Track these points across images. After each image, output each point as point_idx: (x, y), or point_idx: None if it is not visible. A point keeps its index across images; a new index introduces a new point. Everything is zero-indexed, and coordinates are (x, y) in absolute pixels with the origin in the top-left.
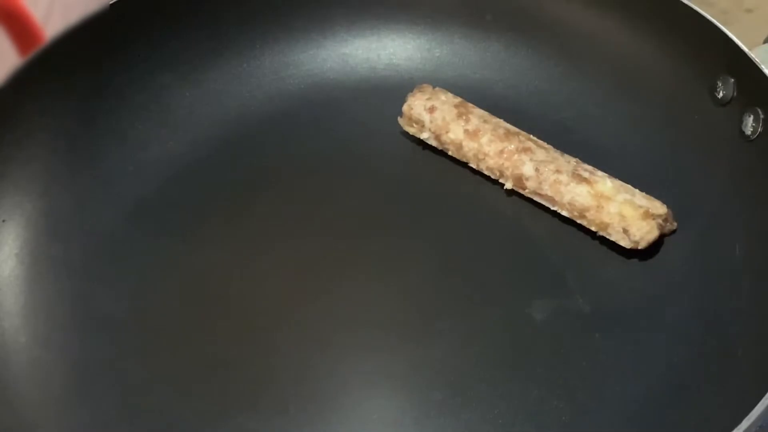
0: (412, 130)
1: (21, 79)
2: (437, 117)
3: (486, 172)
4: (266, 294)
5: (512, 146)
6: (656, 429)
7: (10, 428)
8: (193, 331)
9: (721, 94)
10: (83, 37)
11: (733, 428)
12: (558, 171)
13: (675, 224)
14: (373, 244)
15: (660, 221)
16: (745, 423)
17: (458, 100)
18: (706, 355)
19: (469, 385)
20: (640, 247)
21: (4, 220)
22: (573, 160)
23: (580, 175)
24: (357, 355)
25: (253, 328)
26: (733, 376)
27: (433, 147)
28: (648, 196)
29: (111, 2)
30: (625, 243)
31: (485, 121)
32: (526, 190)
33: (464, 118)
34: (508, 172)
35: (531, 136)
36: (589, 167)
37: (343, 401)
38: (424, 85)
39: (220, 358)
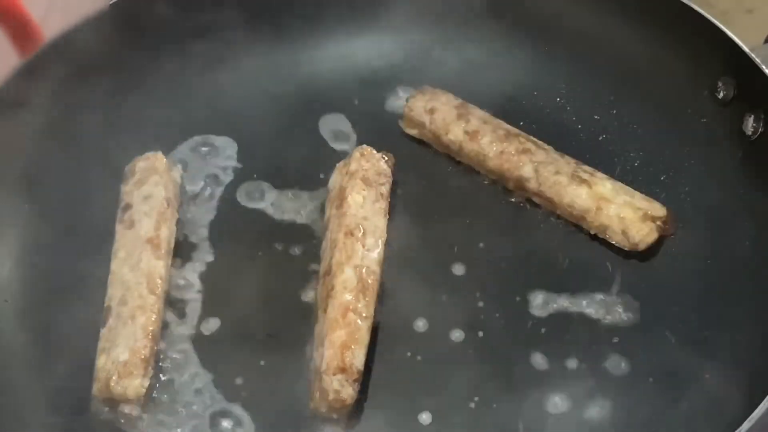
0: (412, 132)
1: (20, 78)
2: (437, 118)
3: (486, 173)
4: (275, 284)
5: (512, 147)
6: (657, 429)
7: (8, 427)
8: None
9: (721, 95)
10: (83, 37)
11: (734, 429)
12: (558, 172)
13: (675, 225)
14: None
15: (659, 223)
16: (746, 425)
17: (459, 101)
18: (708, 355)
19: (466, 386)
20: (639, 249)
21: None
22: (573, 162)
23: (579, 177)
24: None
25: (261, 323)
26: (733, 377)
27: (434, 148)
28: (648, 197)
29: (111, 2)
30: (624, 245)
31: (485, 123)
32: (527, 192)
33: (464, 119)
34: (508, 174)
35: (531, 137)
36: (589, 168)
37: None
38: (425, 86)
39: (220, 354)
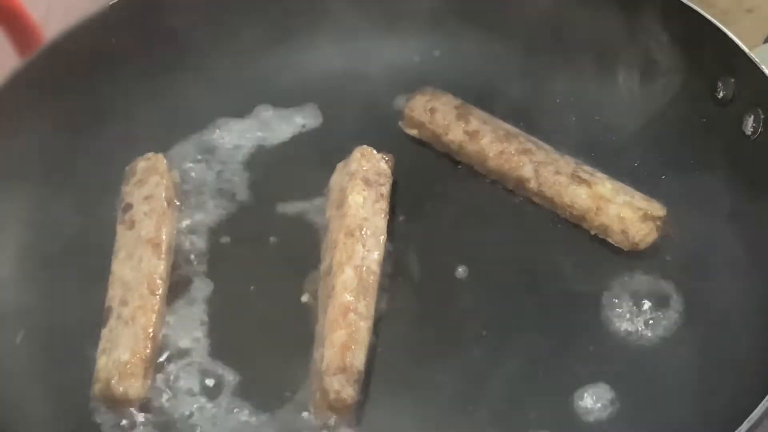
0: (412, 132)
1: (21, 79)
2: (437, 118)
3: (486, 173)
4: (274, 285)
5: (512, 147)
6: (657, 429)
7: (8, 427)
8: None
9: (721, 94)
10: (83, 37)
11: (733, 429)
12: (558, 172)
13: (674, 226)
14: None
15: (659, 223)
16: (746, 425)
17: (458, 101)
18: (707, 355)
19: (468, 388)
20: (639, 249)
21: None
22: (573, 162)
23: (579, 177)
24: None
25: (261, 324)
26: (733, 377)
27: (435, 148)
28: (647, 197)
29: (111, 2)
30: (624, 245)
31: (485, 123)
32: (527, 192)
33: (464, 119)
34: (508, 174)
35: (531, 137)
36: (589, 168)
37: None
38: (425, 87)
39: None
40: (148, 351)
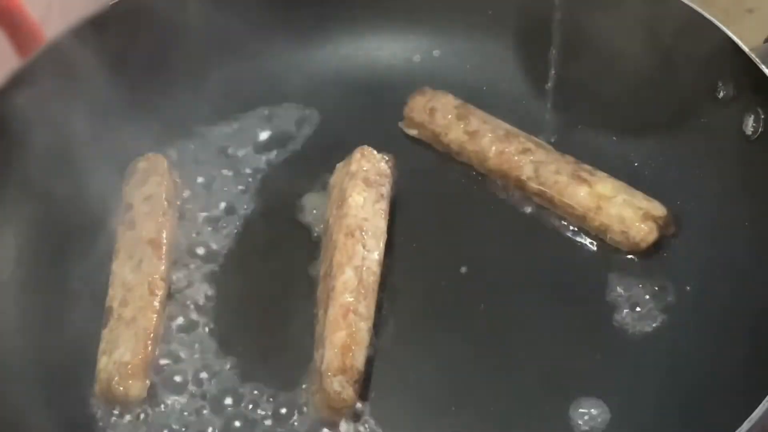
0: (413, 132)
1: (21, 79)
2: (437, 119)
3: (486, 173)
4: (275, 285)
5: (512, 147)
6: (656, 430)
7: (8, 427)
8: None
9: (721, 94)
10: (83, 37)
11: (733, 429)
12: (558, 172)
13: (675, 225)
14: None
15: (660, 223)
16: (746, 425)
17: (458, 101)
18: (707, 355)
19: (467, 383)
20: (640, 249)
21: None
22: (573, 161)
23: (579, 176)
24: None
25: (260, 324)
26: (733, 377)
27: (435, 148)
28: (648, 197)
29: (111, 2)
30: (624, 244)
31: (485, 123)
32: (527, 191)
33: (464, 119)
34: (508, 174)
35: (531, 137)
36: (589, 168)
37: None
38: (425, 87)
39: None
40: (148, 351)
